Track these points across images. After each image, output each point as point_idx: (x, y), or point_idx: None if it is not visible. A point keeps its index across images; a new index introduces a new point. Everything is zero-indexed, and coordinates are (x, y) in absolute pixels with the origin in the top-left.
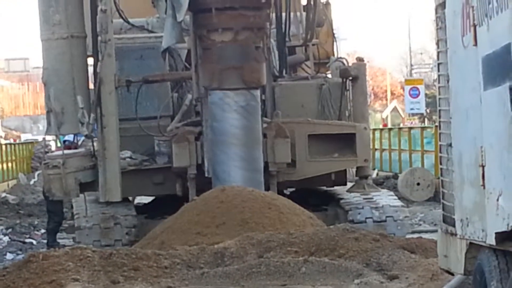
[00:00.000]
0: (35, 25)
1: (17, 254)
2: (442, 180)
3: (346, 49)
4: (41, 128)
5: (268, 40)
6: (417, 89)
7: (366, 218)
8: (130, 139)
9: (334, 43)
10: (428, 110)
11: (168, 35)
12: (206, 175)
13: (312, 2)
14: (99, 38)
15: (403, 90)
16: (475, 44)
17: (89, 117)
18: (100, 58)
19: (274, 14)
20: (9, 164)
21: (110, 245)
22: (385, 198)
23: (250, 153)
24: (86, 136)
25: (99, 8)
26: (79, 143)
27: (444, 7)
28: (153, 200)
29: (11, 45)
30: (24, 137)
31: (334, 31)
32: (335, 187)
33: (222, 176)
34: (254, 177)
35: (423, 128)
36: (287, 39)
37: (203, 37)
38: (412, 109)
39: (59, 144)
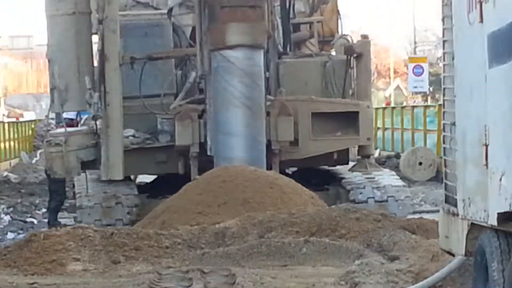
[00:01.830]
0: (39, 2)
1: (18, 234)
2: (444, 160)
3: (350, 26)
4: (44, 106)
5: (272, 16)
6: (421, 67)
7: (368, 198)
8: (133, 117)
9: (339, 20)
10: (431, 89)
11: None
12: (209, 153)
13: None
14: (97, 15)
15: (407, 68)
16: (481, 21)
17: (97, 96)
18: (99, 36)
19: None
20: (12, 143)
21: (111, 224)
22: (387, 177)
23: (253, 120)
24: (93, 117)
25: None
26: (82, 121)
27: None
28: (155, 179)
29: (15, 22)
30: (27, 115)
31: (339, 8)
32: (337, 166)
33: (224, 148)
34: (256, 148)
35: (426, 107)
36: (291, 16)
37: None
38: (415, 87)
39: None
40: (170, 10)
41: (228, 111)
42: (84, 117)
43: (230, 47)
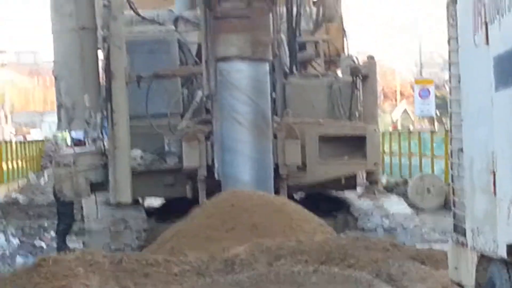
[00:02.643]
0: (46, 18)
1: (27, 257)
2: (452, 187)
3: (356, 47)
4: (47, 124)
5: (278, 34)
6: (428, 90)
7: (376, 226)
8: (140, 137)
9: (345, 40)
10: (438, 112)
11: (180, 1)
12: (216, 177)
13: None
14: (101, 33)
15: (413, 90)
16: (487, 43)
17: (99, 116)
18: (104, 53)
19: (284, 9)
20: (19, 163)
21: (120, 248)
22: (395, 205)
23: (259, 141)
24: (93, 140)
25: (102, 3)
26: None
27: (456, 4)
28: (163, 204)
29: (21, 38)
30: (34, 132)
31: (345, 28)
32: (345, 192)
33: (230, 171)
34: (263, 169)
35: (433, 132)
36: (297, 34)
37: (215, 6)
38: (422, 111)
39: (68, 142)
40: (176, 19)
41: (233, 127)
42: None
43: (232, 59)
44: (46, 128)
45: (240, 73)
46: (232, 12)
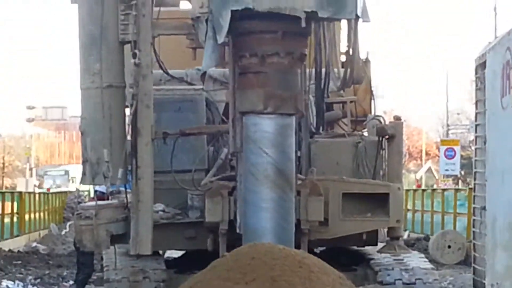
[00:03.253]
0: (73, 74)
1: None
2: (474, 244)
3: (383, 107)
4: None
5: (306, 95)
6: (453, 150)
7: (396, 279)
8: (163, 192)
9: (372, 100)
10: (462, 172)
11: (208, 58)
12: (238, 231)
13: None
14: (131, 90)
15: (438, 150)
16: None
17: (121, 171)
18: (132, 110)
19: (313, 70)
20: (42, 214)
21: None
22: (416, 260)
23: (281, 196)
24: (110, 193)
25: (133, 61)
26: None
27: (484, 68)
28: (183, 255)
29: (49, 93)
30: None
31: (372, 89)
32: (366, 247)
33: (251, 224)
34: (284, 225)
35: (456, 190)
36: (325, 95)
37: (242, 60)
38: (447, 170)
39: (92, 195)
40: (204, 74)
41: (252, 181)
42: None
43: (247, 114)
44: (50, 181)
45: (255, 126)
46: (249, 68)
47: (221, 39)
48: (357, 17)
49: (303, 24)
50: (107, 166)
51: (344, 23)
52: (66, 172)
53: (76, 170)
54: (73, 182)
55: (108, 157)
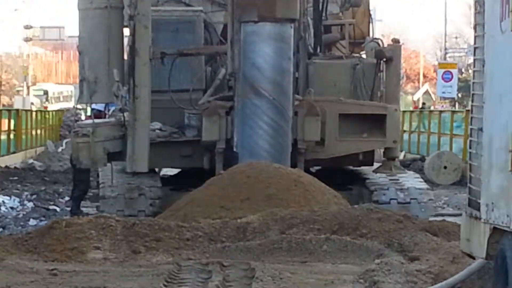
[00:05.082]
0: None
1: (40, 220)
2: (470, 164)
3: (381, 30)
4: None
5: (304, 17)
6: (450, 73)
7: (391, 199)
8: (161, 111)
9: (370, 23)
10: (459, 95)
11: None
12: (235, 149)
13: None
14: (128, 11)
15: (436, 73)
16: None
17: (125, 89)
18: (130, 31)
19: None
20: (38, 131)
21: (133, 215)
22: (411, 180)
23: (278, 115)
24: (120, 110)
25: None
26: (109, 113)
27: None
28: (179, 172)
29: (47, 13)
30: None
31: (371, 12)
32: (362, 167)
33: (248, 143)
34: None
35: (453, 112)
36: (323, 17)
37: None
38: (443, 92)
39: (88, 113)
40: None
41: (252, 99)
42: (112, 108)
43: (256, 21)
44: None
45: (264, 32)
46: None
47: None
48: None
49: None
50: (117, 86)
51: None
52: (45, 92)
53: (55, 89)
54: (51, 103)
55: (118, 77)
